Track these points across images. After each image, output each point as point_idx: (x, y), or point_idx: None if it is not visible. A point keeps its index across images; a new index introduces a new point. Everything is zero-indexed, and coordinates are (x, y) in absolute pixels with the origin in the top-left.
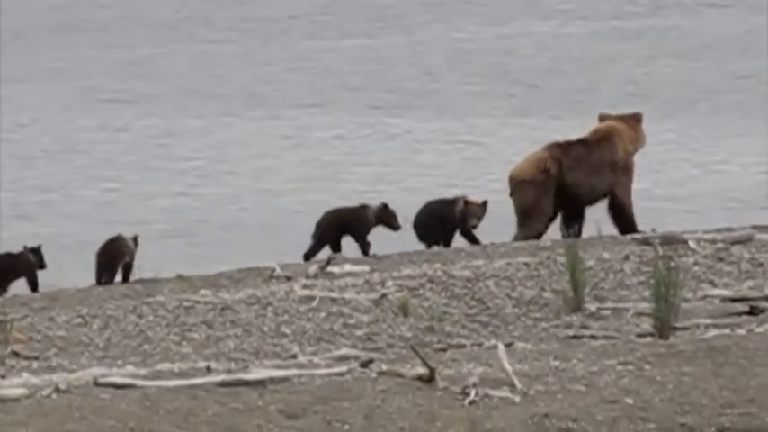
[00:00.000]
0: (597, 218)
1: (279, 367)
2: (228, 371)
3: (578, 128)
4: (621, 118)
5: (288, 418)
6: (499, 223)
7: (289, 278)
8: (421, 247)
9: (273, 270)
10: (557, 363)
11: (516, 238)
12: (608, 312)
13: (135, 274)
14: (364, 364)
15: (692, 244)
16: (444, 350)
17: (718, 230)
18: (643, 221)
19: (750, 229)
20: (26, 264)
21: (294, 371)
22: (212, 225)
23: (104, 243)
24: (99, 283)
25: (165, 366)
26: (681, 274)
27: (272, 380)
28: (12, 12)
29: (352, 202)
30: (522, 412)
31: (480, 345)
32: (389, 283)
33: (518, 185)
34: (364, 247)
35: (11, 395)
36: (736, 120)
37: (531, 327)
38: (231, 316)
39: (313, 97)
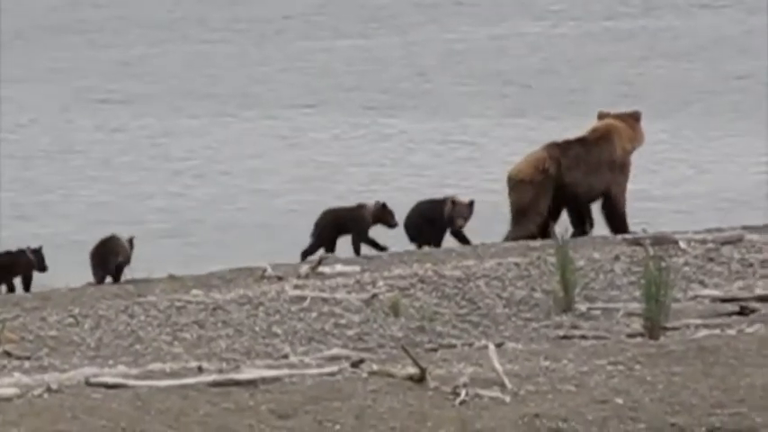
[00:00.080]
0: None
1: (270, 367)
2: (220, 371)
3: (572, 128)
4: (620, 116)
5: (279, 417)
6: (490, 223)
7: (280, 278)
8: (412, 247)
9: (265, 270)
10: (547, 363)
11: (507, 237)
12: (598, 312)
13: (126, 275)
14: (355, 365)
15: (682, 244)
16: (435, 350)
17: (709, 231)
18: (635, 221)
19: (740, 229)
20: (26, 263)
21: (285, 371)
22: (207, 225)
23: (98, 243)
24: (99, 282)
25: (156, 366)
26: (671, 275)
27: (264, 380)
28: (8, 12)
29: (346, 202)
30: (512, 412)
31: (471, 345)
32: (380, 283)
33: (516, 185)
34: (371, 243)
35: (2, 395)
36: (730, 120)
37: (521, 327)
38: (223, 316)
39: (307, 97)
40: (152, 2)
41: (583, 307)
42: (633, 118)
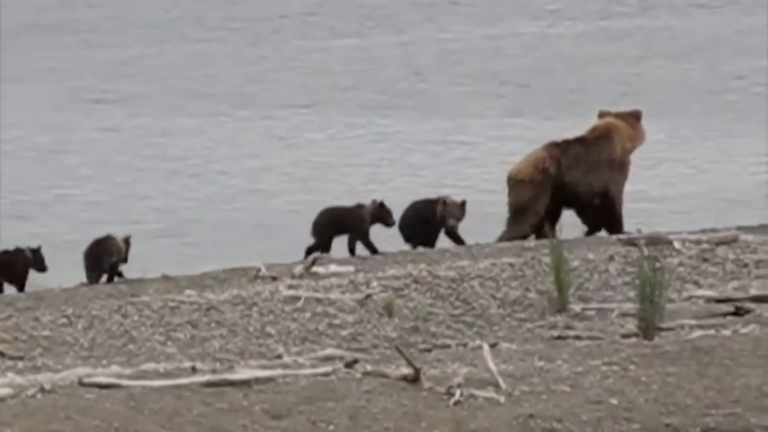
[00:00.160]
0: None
1: (264, 367)
2: (213, 371)
3: (569, 128)
4: (621, 115)
5: (273, 418)
6: (486, 224)
7: (274, 278)
8: (405, 247)
9: (258, 270)
10: (541, 363)
11: (503, 236)
12: (593, 313)
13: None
14: (349, 365)
15: (677, 245)
16: (429, 350)
17: (704, 231)
18: (631, 221)
19: (735, 229)
20: (23, 262)
21: (279, 371)
22: (202, 225)
23: (91, 243)
24: (92, 282)
25: (149, 366)
26: (666, 275)
27: (257, 380)
28: (2, 12)
29: (342, 202)
30: (506, 413)
31: (465, 345)
32: (374, 283)
33: (516, 184)
34: (369, 245)
35: None
36: (727, 121)
37: (515, 327)
38: (216, 316)
39: (304, 97)
40: (147, 1)
41: (577, 307)
42: (634, 117)
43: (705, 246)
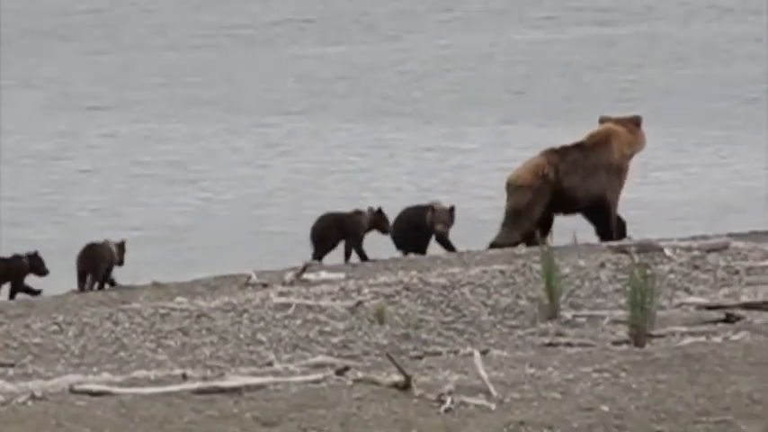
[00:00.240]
0: (574, 226)
1: (254, 375)
2: (204, 378)
3: (564, 135)
4: (620, 121)
5: (263, 425)
6: (479, 231)
7: (264, 285)
8: (396, 254)
9: (249, 277)
10: (532, 370)
11: (495, 240)
12: (583, 320)
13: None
14: (340, 372)
15: (667, 252)
16: (420, 358)
17: (694, 238)
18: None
19: (726, 236)
20: (18, 268)
21: (270, 378)
22: (193, 232)
23: (85, 247)
24: (81, 289)
25: (140, 374)
26: (657, 282)
27: (248, 387)
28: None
29: (337, 209)
30: (497, 420)
31: (456, 352)
32: (365, 290)
33: (515, 190)
34: (361, 252)
35: None
36: (721, 128)
37: (506, 334)
38: (207, 323)
39: (298, 104)
40: (141, 8)
41: (568, 314)
42: (633, 122)
43: (696, 253)
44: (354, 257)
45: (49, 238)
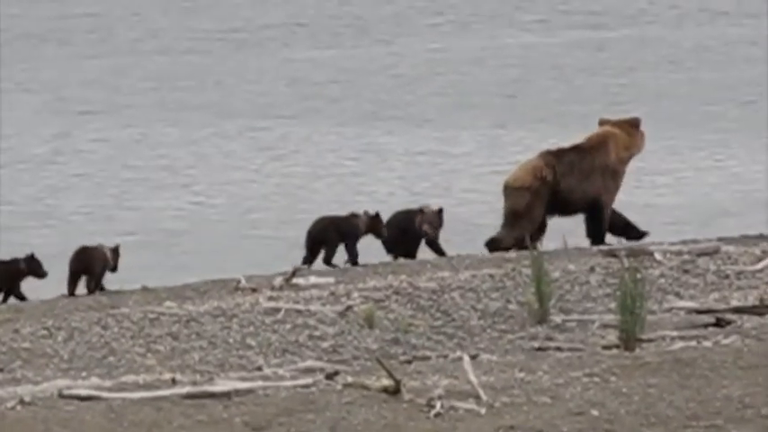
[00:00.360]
0: (563, 229)
1: (244, 379)
2: (194, 383)
3: (558, 138)
4: (618, 123)
5: (253, 430)
6: (472, 235)
7: (254, 290)
8: (386, 258)
9: (239, 282)
10: (522, 375)
11: (496, 236)
12: (574, 324)
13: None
14: (330, 376)
15: (658, 256)
16: (410, 362)
17: (684, 242)
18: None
19: (716, 241)
20: (15, 271)
21: (259, 383)
22: (186, 236)
23: (78, 249)
24: (71, 293)
25: (129, 378)
26: (647, 286)
27: (238, 392)
28: None
29: (329, 213)
30: (487, 424)
31: (446, 357)
32: (355, 294)
33: (513, 192)
34: (353, 256)
35: None
36: (715, 131)
37: (496, 339)
38: (196, 328)
39: (290, 108)
40: (133, 12)
41: (558, 318)
42: (631, 124)
43: (686, 257)
44: (337, 262)
45: (39, 242)
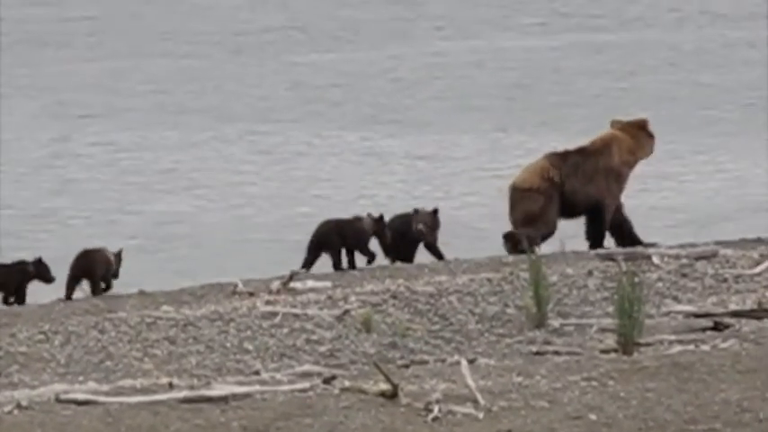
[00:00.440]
0: (561, 233)
1: (241, 384)
2: (191, 387)
3: (558, 142)
4: (625, 127)
5: None
6: (470, 238)
7: (251, 294)
8: (383, 262)
9: (236, 286)
10: (520, 379)
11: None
12: (571, 328)
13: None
14: (327, 381)
15: (655, 259)
16: (407, 366)
17: (682, 246)
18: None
19: (714, 244)
20: (26, 275)
21: (257, 387)
22: (186, 240)
23: (81, 252)
24: (68, 297)
25: (127, 383)
26: (645, 290)
27: (235, 396)
28: None
29: (326, 217)
30: (485, 429)
31: (443, 361)
32: (352, 298)
33: (523, 194)
34: (371, 256)
35: None
36: (714, 134)
37: (494, 343)
38: (193, 332)
39: (289, 112)
40: (131, 16)
41: (556, 323)
42: (638, 127)
43: (684, 261)
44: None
45: (38, 246)
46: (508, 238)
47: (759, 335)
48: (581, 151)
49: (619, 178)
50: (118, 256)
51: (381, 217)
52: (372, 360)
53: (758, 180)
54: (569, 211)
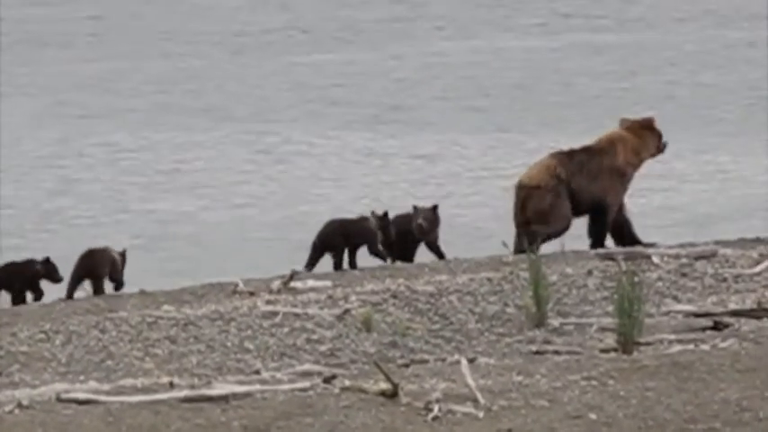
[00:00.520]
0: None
1: (242, 383)
2: (191, 386)
3: (560, 142)
4: (631, 126)
5: None
6: (472, 238)
7: (252, 294)
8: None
9: (236, 285)
10: (520, 378)
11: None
12: (571, 327)
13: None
14: (327, 380)
15: (655, 259)
16: (407, 365)
17: (682, 245)
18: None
19: (714, 244)
20: (32, 274)
21: (257, 386)
22: (185, 240)
23: (86, 252)
24: (69, 297)
25: (127, 382)
26: (644, 290)
27: (235, 395)
28: None
29: (326, 217)
30: (485, 428)
31: (443, 360)
32: (353, 298)
33: (531, 192)
34: (382, 256)
35: None
36: (713, 134)
37: (494, 342)
38: (194, 331)
39: (291, 112)
40: (129, 16)
41: (556, 322)
42: (644, 127)
43: (684, 260)
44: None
45: (39, 246)
46: (527, 236)
47: (758, 334)
48: (586, 150)
49: (623, 178)
50: (122, 255)
51: (386, 214)
52: (372, 359)
53: (758, 180)
54: (573, 210)
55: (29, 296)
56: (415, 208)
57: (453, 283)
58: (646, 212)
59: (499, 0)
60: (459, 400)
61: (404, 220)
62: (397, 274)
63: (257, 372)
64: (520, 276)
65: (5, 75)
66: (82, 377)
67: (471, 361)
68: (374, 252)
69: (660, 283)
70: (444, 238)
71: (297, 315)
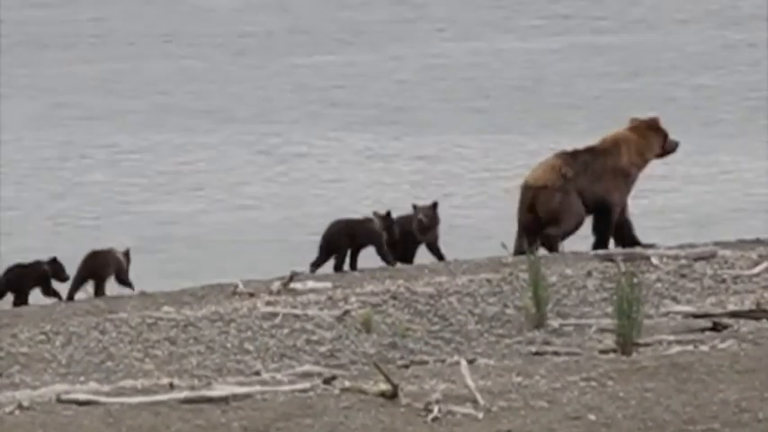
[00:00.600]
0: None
1: (242, 384)
2: (191, 388)
3: (561, 143)
4: (635, 127)
5: None
6: (473, 239)
7: (251, 295)
8: (383, 262)
9: (236, 287)
10: (519, 379)
11: (552, 240)
12: (571, 329)
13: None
14: (327, 381)
15: (654, 260)
16: (407, 367)
17: (681, 246)
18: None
19: (713, 245)
20: (39, 275)
21: (257, 387)
22: (182, 241)
23: (90, 253)
24: (70, 298)
25: (127, 383)
26: (644, 291)
27: (235, 397)
28: None
29: (328, 218)
30: (484, 429)
31: (443, 361)
32: (352, 299)
33: (539, 192)
34: (387, 258)
35: None
36: (712, 136)
37: (493, 343)
38: (194, 333)
39: (292, 113)
40: (130, 17)
41: (555, 323)
42: (648, 127)
43: (683, 261)
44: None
45: (41, 247)
46: (541, 241)
47: (757, 335)
48: (590, 150)
49: (627, 179)
50: (126, 255)
51: (389, 213)
52: (372, 360)
53: (758, 181)
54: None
55: (29, 297)
56: (415, 206)
57: (453, 285)
58: (646, 213)
59: (500, 1)
60: (459, 401)
61: (405, 221)
62: (396, 275)
63: (257, 373)
64: (519, 277)
65: (6, 76)
66: (82, 378)
67: (471, 362)
68: (381, 254)
69: (659, 285)
70: (444, 239)
71: (297, 316)
